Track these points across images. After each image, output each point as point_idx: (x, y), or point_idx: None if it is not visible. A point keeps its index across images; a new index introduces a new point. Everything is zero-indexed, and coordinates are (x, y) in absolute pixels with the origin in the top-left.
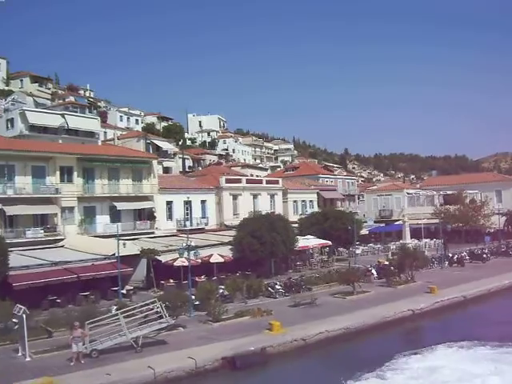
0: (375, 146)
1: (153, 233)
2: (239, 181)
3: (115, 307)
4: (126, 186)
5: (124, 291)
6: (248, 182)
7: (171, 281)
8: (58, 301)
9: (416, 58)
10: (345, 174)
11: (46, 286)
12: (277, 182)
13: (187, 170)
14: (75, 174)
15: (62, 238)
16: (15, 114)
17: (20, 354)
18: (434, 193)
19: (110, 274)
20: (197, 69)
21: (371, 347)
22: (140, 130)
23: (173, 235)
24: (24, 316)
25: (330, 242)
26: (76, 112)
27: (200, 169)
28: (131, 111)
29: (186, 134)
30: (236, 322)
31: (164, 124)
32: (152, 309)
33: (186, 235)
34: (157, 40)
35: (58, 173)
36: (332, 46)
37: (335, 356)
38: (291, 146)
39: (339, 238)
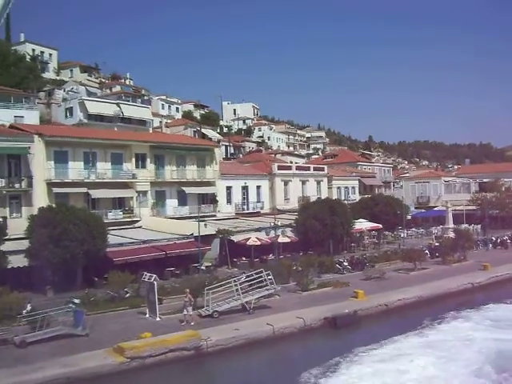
0: (399, 134)
1: (214, 215)
2: (290, 168)
3: (244, 275)
4: (191, 171)
5: (203, 267)
6: (297, 168)
7: (243, 258)
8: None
9: (443, 42)
10: (381, 162)
11: (136, 262)
12: (322, 169)
13: (229, 156)
14: (148, 160)
15: (138, 219)
16: (74, 103)
17: (147, 315)
18: (470, 180)
19: (191, 252)
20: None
21: (446, 307)
22: (180, 117)
23: (233, 218)
24: (155, 283)
25: (380, 226)
26: (128, 101)
27: (241, 156)
28: (169, 99)
29: (220, 121)
30: (321, 292)
31: (200, 112)
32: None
33: (248, 218)
34: (186, 35)
35: (133, 159)
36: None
37: (415, 316)
38: (323, 134)
39: (388, 222)
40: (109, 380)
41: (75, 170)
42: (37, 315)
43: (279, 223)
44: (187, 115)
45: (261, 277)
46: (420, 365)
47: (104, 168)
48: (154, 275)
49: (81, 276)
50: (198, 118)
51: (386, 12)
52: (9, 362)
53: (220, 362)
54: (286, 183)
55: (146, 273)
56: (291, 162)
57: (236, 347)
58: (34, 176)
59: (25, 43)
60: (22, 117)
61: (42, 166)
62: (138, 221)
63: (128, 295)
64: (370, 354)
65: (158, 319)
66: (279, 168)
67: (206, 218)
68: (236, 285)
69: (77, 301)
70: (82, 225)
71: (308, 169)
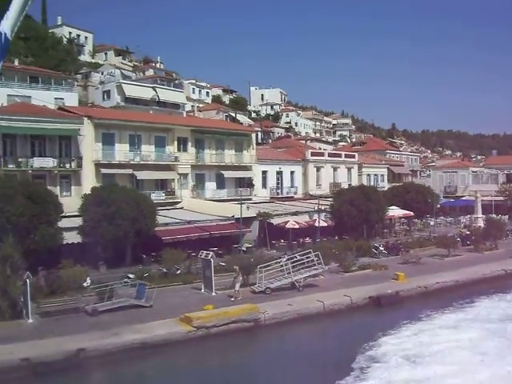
0: (423, 122)
1: (250, 199)
2: (322, 154)
3: (286, 256)
4: (229, 156)
5: (244, 248)
6: (329, 155)
7: (282, 241)
8: (193, 254)
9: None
10: (409, 150)
11: (182, 241)
12: (353, 157)
13: (259, 142)
14: (189, 144)
15: (179, 200)
16: (111, 86)
17: (203, 290)
18: (498, 171)
19: (232, 233)
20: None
21: (481, 291)
22: (210, 101)
23: (268, 202)
24: (212, 260)
25: (412, 213)
26: (163, 85)
27: (270, 141)
28: (199, 83)
29: (248, 106)
30: (362, 274)
31: (229, 96)
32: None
33: (282, 202)
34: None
35: (175, 143)
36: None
37: (454, 298)
38: (349, 121)
39: (419, 210)
40: (178, 346)
41: (121, 151)
42: (103, 287)
43: (319, 208)
44: (216, 99)
45: (309, 257)
46: (471, 337)
47: (148, 150)
48: (211, 253)
49: (130, 253)
50: (227, 102)
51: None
52: (86, 328)
53: (276, 333)
54: (318, 169)
55: (202, 251)
56: (319, 149)
57: (290, 321)
58: (83, 157)
59: (62, 26)
60: (62, 99)
61: (90, 148)
62: (179, 202)
63: (179, 272)
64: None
65: (213, 294)
66: (312, 154)
67: (242, 202)
68: (286, 264)
69: (131, 276)
70: (133, 204)
71: (339, 155)
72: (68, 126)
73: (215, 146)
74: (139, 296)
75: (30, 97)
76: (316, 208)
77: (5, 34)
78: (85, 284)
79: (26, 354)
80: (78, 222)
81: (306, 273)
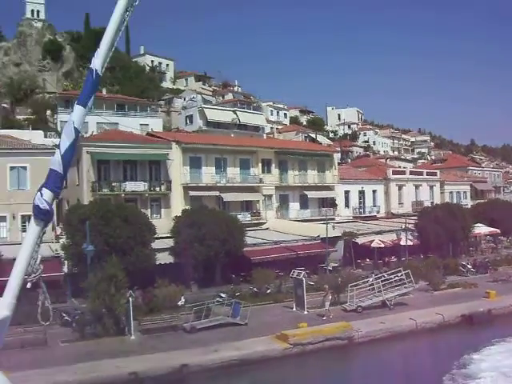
0: (503, 137)
1: (334, 219)
2: (404, 172)
3: (373, 275)
4: (312, 176)
5: (330, 268)
6: (411, 173)
7: (367, 260)
8: (281, 274)
9: None
10: (491, 166)
11: (269, 261)
12: (435, 174)
13: (338, 161)
14: (273, 165)
15: (264, 221)
16: (194, 111)
17: (294, 309)
18: None
19: (318, 253)
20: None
21: None
22: (287, 123)
23: (352, 221)
24: (303, 279)
25: (498, 230)
26: (243, 108)
27: (349, 160)
28: (276, 105)
29: (325, 126)
30: (452, 292)
31: (305, 117)
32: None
33: (365, 221)
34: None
35: (260, 165)
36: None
37: None
38: (427, 138)
39: (505, 227)
40: (275, 363)
41: (208, 174)
42: (198, 306)
43: (406, 226)
44: (294, 121)
45: (398, 276)
46: None
47: (233, 173)
48: (303, 272)
49: (219, 273)
50: (304, 123)
51: None
52: (186, 345)
53: (370, 351)
54: (400, 188)
55: (294, 270)
56: (399, 167)
57: (383, 338)
58: (171, 180)
59: (144, 55)
60: (147, 124)
61: (178, 171)
62: (264, 223)
63: (269, 291)
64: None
65: (305, 312)
66: (394, 173)
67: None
68: (377, 282)
69: (223, 295)
70: (223, 226)
71: (421, 173)
72: (157, 150)
73: (298, 166)
74: (234, 314)
75: (117, 123)
76: (402, 226)
77: (95, 70)
78: (179, 303)
79: (133, 368)
80: (169, 243)
81: (396, 291)
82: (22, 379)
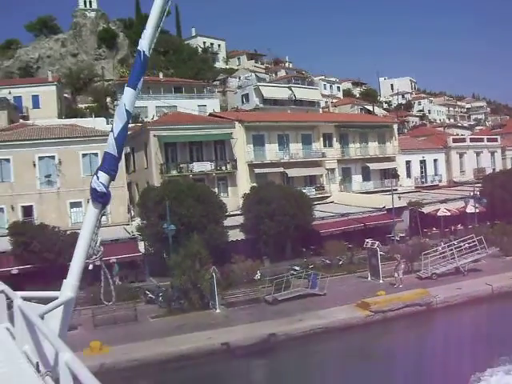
0: None
1: (396, 189)
2: (464, 140)
3: (442, 244)
4: (373, 148)
5: (397, 238)
6: (471, 140)
7: (434, 229)
8: (350, 245)
9: None
10: None
11: (338, 233)
12: (495, 140)
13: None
14: (334, 139)
15: (328, 195)
16: (249, 89)
17: (369, 278)
18: None
19: (385, 224)
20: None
21: None
22: (341, 96)
23: (414, 191)
24: (378, 248)
25: None
26: (297, 84)
27: (405, 131)
28: (328, 78)
29: (379, 97)
30: None
31: (358, 89)
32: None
33: (428, 191)
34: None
35: (321, 139)
36: None
37: None
38: (483, 104)
39: None
40: (358, 330)
41: (271, 151)
42: (276, 279)
43: (474, 193)
44: (347, 93)
45: (470, 242)
46: None
47: (296, 148)
48: (377, 242)
49: (290, 247)
50: (357, 95)
51: None
52: (270, 316)
53: (449, 316)
54: (461, 155)
55: (367, 240)
56: (457, 135)
57: (460, 304)
58: (237, 159)
59: (196, 37)
60: (205, 105)
61: (242, 150)
62: (328, 196)
63: (341, 262)
64: None
65: (380, 281)
66: (454, 141)
67: (388, 193)
68: (450, 250)
69: (297, 268)
70: (292, 201)
71: (481, 140)
72: (221, 130)
73: (359, 139)
74: (313, 285)
75: (175, 106)
76: (469, 194)
77: (143, 51)
78: (256, 277)
79: (224, 339)
80: (239, 220)
81: (470, 257)
82: (125, 351)
